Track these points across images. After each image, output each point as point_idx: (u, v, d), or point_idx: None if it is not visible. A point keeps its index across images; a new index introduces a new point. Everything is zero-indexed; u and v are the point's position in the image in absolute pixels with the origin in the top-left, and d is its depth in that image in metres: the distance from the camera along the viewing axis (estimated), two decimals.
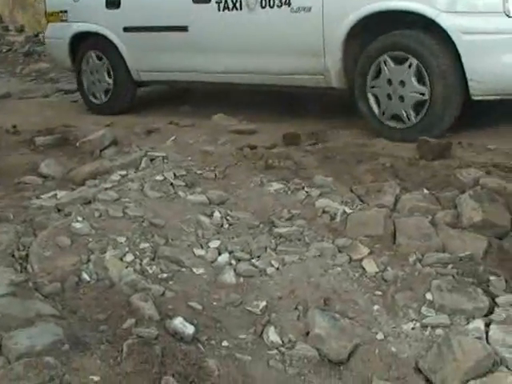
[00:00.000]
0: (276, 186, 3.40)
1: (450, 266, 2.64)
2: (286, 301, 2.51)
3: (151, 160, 3.76)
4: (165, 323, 2.34)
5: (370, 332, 2.35)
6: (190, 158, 3.80)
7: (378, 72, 4.23)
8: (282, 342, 2.32)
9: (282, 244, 2.88)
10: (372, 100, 4.30)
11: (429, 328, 2.34)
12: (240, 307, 2.49)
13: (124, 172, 3.64)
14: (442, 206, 3.08)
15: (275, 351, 2.29)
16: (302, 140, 4.12)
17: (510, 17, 3.80)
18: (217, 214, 3.12)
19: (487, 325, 2.32)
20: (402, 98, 4.12)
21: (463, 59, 3.92)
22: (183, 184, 3.45)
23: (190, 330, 2.30)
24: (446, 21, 3.93)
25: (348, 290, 2.54)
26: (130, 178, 3.54)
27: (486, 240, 2.78)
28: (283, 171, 3.58)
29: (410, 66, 4.07)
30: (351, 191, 3.30)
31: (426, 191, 3.20)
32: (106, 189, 3.41)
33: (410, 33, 4.12)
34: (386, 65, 4.17)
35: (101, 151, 4.16)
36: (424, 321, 2.37)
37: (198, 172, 3.60)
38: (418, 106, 4.08)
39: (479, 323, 2.33)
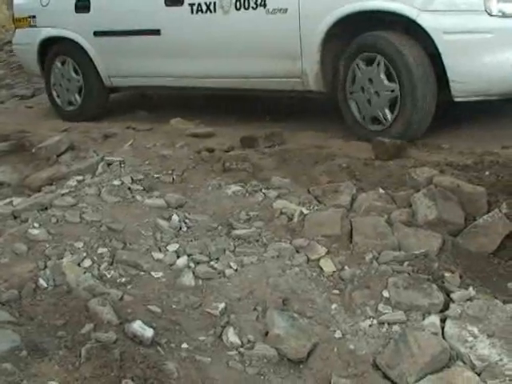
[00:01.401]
0: (234, 188, 3.41)
1: (405, 264, 2.69)
2: (245, 302, 2.53)
3: (108, 165, 3.73)
4: (124, 327, 2.34)
5: (328, 330, 2.39)
6: (147, 162, 3.78)
7: (355, 77, 4.14)
8: (242, 342, 2.34)
9: (240, 246, 2.90)
10: (353, 106, 4.19)
11: (386, 325, 2.39)
12: (199, 309, 2.50)
13: (81, 177, 3.61)
14: (398, 204, 3.13)
15: (235, 352, 2.31)
16: (259, 142, 4.12)
17: (491, 15, 3.70)
18: (175, 218, 3.12)
19: (443, 320, 2.38)
20: (376, 97, 4.02)
21: (444, 60, 3.80)
22: (141, 188, 3.45)
23: (149, 333, 2.30)
24: (426, 21, 3.80)
25: (306, 290, 2.57)
26: (87, 184, 3.51)
27: (440, 237, 2.83)
28: (241, 173, 3.59)
29: (378, 65, 3.98)
30: (308, 192, 3.33)
31: (381, 191, 3.24)
32: (63, 194, 3.38)
33: (382, 33, 4.01)
34: (358, 68, 4.09)
35: (57, 157, 4.11)
36: (381, 318, 2.41)
37: (156, 176, 3.60)
38: (392, 106, 3.97)
39: (435, 319, 2.38)
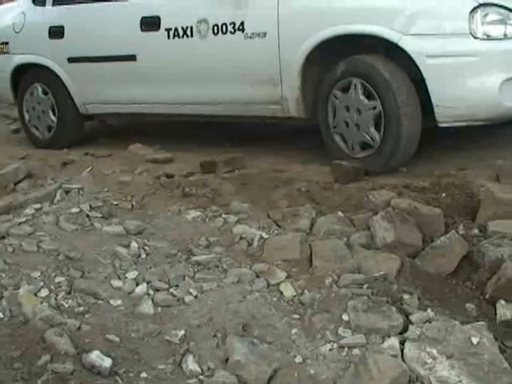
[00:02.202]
0: (193, 213, 3.40)
1: (365, 287, 2.69)
2: (205, 328, 2.50)
3: (66, 192, 3.69)
4: (81, 357, 2.30)
5: (288, 356, 2.37)
6: (106, 189, 3.75)
7: (335, 110, 4.10)
8: (202, 370, 2.31)
9: (200, 272, 2.88)
10: (338, 139, 4.12)
11: (346, 348, 2.38)
12: (158, 337, 2.47)
13: (38, 205, 3.56)
14: (357, 227, 3.16)
15: (194, 380, 2.27)
16: (219, 167, 4.13)
17: (476, 38, 3.67)
18: (134, 245, 3.09)
19: (402, 342, 2.37)
20: (359, 120, 3.96)
21: (428, 84, 3.75)
22: (99, 215, 3.41)
23: (107, 363, 2.26)
24: (408, 44, 3.75)
25: (266, 315, 2.56)
26: (45, 212, 3.47)
27: (398, 259, 2.85)
28: (200, 199, 3.58)
29: (355, 88, 3.94)
30: (268, 216, 3.34)
31: (340, 214, 3.26)
32: (20, 223, 3.33)
33: (364, 57, 3.97)
34: (337, 99, 4.05)
35: (15, 185, 4.05)
36: (341, 342, 2.40)
37: (115, 203, 3.57)
38: (377, 124, 3.90)
39: (394, 341, 2.37)
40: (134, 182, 3.85)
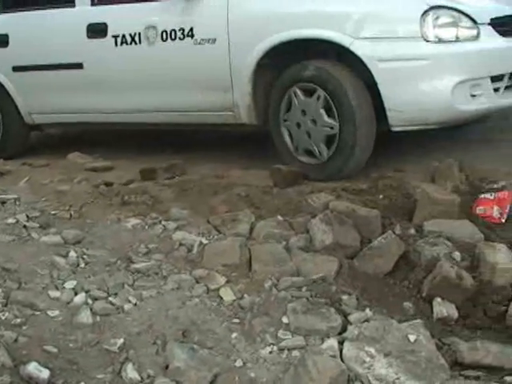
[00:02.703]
0: (133, 221, 3.38)
1: (304, 289, 2.71)
2: (145, 336, 2.48)
3: (2, 203, 3.63)
4: (18, 369, 2.25)
5: (229, 360, 2.37)
6: (44, 199, 3.70)
7: (290, 105, 4.02)
8: (141, 378, 2.29)
9: (139, 279, 2.86)
10: (286, 134, 4.09)
11: (286, 351, 2.39)
12: (97, 346, 2.44)
13: None
14: (296, 231, 3.18)
15: None
16: (158, 174, 4.11)
17: (428, 41, 3.67)
18: (72, 254, 3.05)
19: (341, 343, 2.39)
20: (312, 131, 3.93)
21: (380, 89, 3.72)
22: (37, 225, 3.36)
23: (44, 374, 2.23)
24: (360, 48, 3.72)
25: (206, 320, 2.55)
26: None
27: (337, 261, 2.88)
28: (140, 206, 3.56)
29: (318, 99, 3.87)
30: (208, 222, 3.33)
31: (279, 218, 3.28)
32: None
33: (319, 63, 3.93)
34: (296, 96, 3.97)
35: None
36: (281, 344, 2.42)
37: (53, 212, 3.52)
38: (329, 142, 3.88)
39: (333, 342, 2.39)
40: (72, 191, 3.82)
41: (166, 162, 4.28)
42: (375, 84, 3.74)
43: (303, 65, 3.96)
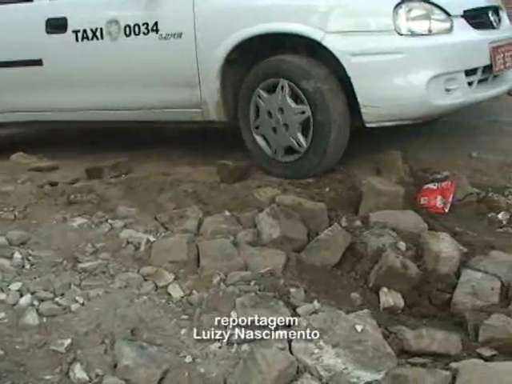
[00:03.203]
0: (79, 220, 3.35)
1: (252, 283, 2.72)
2: (92, 335, 2.46)
3: None
4: None
5: (178, 356, 2.37)
6: None
7: (258, 109, 3.90)
8: (90, 377, 2.27)
9: (86, 279, 2.83)
10: (261, 141, 3.94)
11: (235, 345, 2.39)
12: (44, 348, 2.41)
13: None
14: (243, 225, 3.19)
15: None
16: (104, 173, 4.07)
17: (401, 35, 3.58)
18: (17, 255, 3.00)
19: (290, 335, 2.41)
20: (285, 124, 3.77)
21: (354, 83, 3.61)
22: None
23: None
24: (332, 42, 3.61)
25: (155, 318, 2.55)
26: None
27: (284, 254, 2.90)
28: (86, 205, 3.53)
29: (282, 89, 3.74)
30: (155, 219, 3.32)
31: (227, 213, 3.29)
32: None
33: (286, 57, 3.81)
34: (260, 98, 3.86)
35: None
36: (230, 339, 2.42)
37: None
38: (305, 130, 3.73)
39: (282, 334, 2.41)
40: (16, 192, 3.76)
41: (112, 161, 4.24)
42: (348, 79, 3.64)
43: (265, 61, 3.87)
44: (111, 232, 3.22)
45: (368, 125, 3.71)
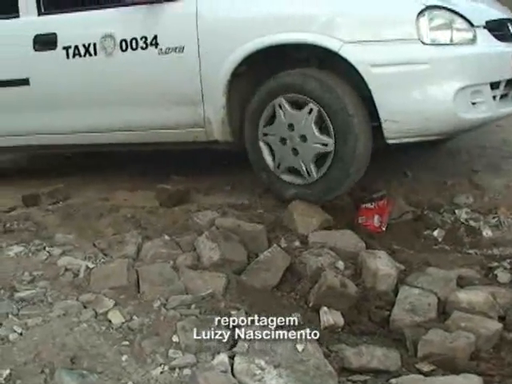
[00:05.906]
0: (16, 249, 3.30)
1: (193, 306, 2.72)
2: (32, 365, 2.42)
3: None
4: None
5: (119, 383, 2.35)
6: None
7: (272, 118, 3.60)
8: None
9: (24, 308, 2.78)
10: (266, 150, 3.66)
11: (177, 369, 2.38)
12: None
13: None
14: (183, 249, 3.19)
15: None
16: (41, 200, 4.03)
17: (425, 44, 3.33)
18: None
19: (232, 357, 2.42)
20: (300, 148, 3.50)
21: (375, 97, 3.35)
22: None
23: None
24: (351, 53, 3.34)
25: (95, 345, 2.52)
26: None
27: (225, 277, 2.90)
28: (23, 233, 3.49)
29: (310, 112, 3.44)
30: (94, 246, 3.30)
31: (166, 237, 3.29)
32: None
33: (308, 71, 3.54)
34: (281, 109, 3.54)
35: None
36: (172, 363, 2.41)
37: None
38: (321, 160, 3.47)
39: (224, 357, 2.41)
40: None
41: (49, 187, 4.19)
42: (369, 92, 3.39)
43: (290, 74, 3.57)
44: (49, 259, 3.18)
45: (389, 141, 3.45)
